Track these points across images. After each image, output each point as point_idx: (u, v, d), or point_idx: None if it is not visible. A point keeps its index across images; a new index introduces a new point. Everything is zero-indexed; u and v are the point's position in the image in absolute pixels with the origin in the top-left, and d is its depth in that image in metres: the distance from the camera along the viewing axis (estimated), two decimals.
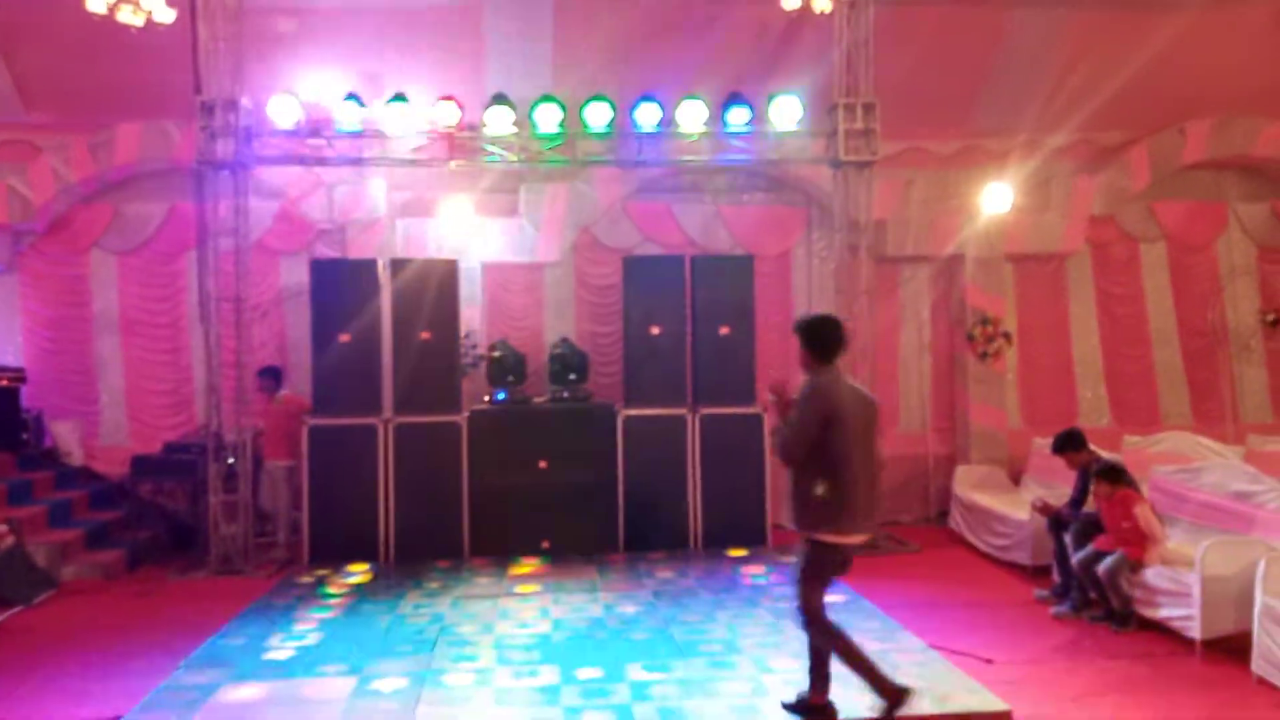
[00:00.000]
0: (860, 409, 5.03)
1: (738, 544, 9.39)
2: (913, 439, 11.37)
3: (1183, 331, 11.79)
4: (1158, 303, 11.81)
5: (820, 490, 4.85)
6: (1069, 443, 7.61)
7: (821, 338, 5.02)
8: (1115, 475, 6.98)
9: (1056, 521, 7.54)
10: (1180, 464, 7.79)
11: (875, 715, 5.02)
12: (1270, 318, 11.67)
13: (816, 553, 4.97)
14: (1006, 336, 11.11)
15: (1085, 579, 7.03)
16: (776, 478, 9.69)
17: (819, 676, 5.15)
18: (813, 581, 5.03)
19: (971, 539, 9.55)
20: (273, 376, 9.82)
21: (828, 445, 4.84)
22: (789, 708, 5.22)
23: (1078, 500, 7.47)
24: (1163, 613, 6.50)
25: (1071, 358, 11.67)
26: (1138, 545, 6.74)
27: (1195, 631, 6.17)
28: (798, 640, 6.51)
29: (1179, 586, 6.34)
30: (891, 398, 11.31)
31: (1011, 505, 9.02)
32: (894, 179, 10.89)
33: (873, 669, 4.97)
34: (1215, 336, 11.75)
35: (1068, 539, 7.34)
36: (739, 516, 9.49)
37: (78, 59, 9.57)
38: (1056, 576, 7.60)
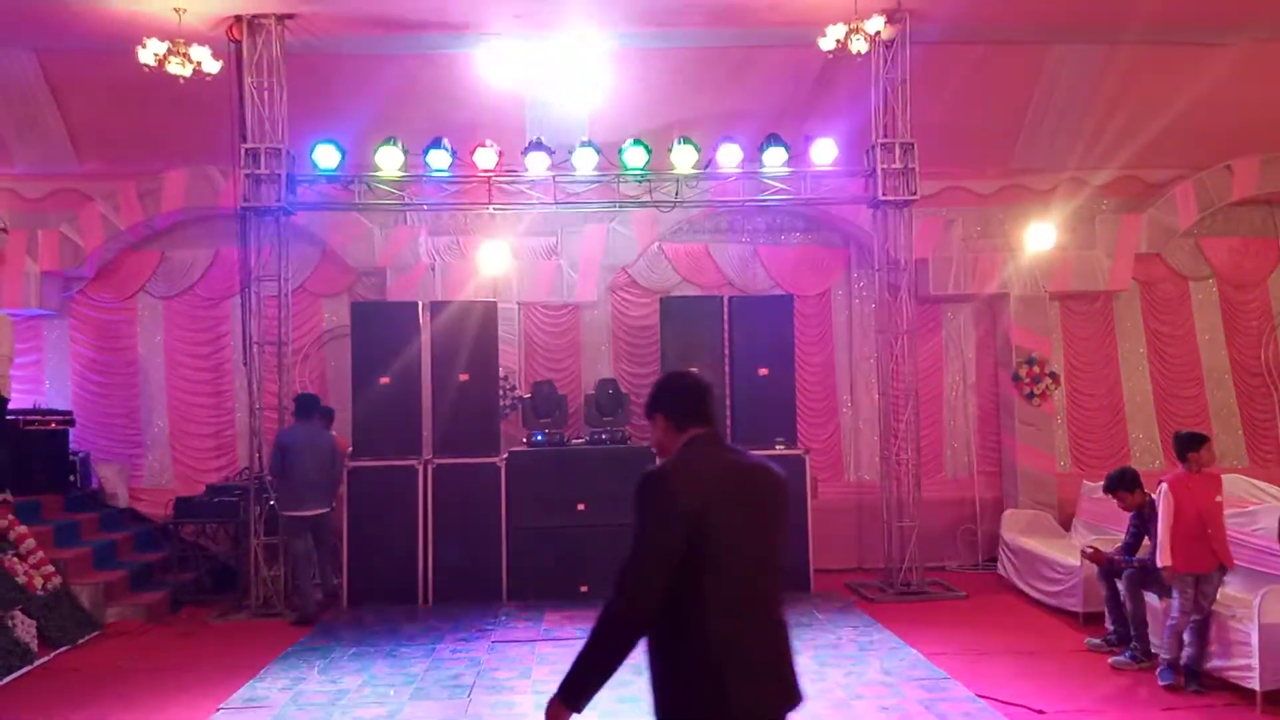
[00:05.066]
0: (310, 442, 8.71)
1: None
2: (959, 483, 11.15)
3: (1236, 371, 11.50)
4: (1209, 342, 11.54)
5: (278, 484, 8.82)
6: (1121, 482, 7.37)
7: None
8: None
9: (1109, 568, 7.31)
10: (1235, 508, 7.53)
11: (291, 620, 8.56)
12: None
13: (283, 521, 8.80)
14: (1054, 377, 10.90)
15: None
16: (819, 522, 9.56)
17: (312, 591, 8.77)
18: (289, 536, 8.69)
19: (1020, 585, 9.30)
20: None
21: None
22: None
23: (1131, 545, 7.23)
24: (1219, 662, 6.26)
25: (1121, 398, 11.42)
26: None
27: (1254, 682, 5.92)
28: (841, 689, 6.39)
29: (1237, 635, 6.11)
30: (936, 440, 11.13)
31: (1061, 550, 8.78)
32: (934, 217, 10.80)
33: (306, 594, 8.66)
34: (1269, 376, 11.45)
35: (1121, 586, 7.12)
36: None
37: (127, 109, 9.81)
38: (1109, 624, 7.36)
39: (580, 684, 2.74)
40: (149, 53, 8.34)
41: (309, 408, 9.01)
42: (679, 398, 3.03)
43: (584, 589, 9.15)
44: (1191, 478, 6.58)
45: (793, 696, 2.81)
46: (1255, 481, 8.19)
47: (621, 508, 9.72)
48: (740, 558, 2.77)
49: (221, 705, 6.32)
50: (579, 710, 2.74)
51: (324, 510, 8.86)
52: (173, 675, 7.10)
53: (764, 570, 2.85)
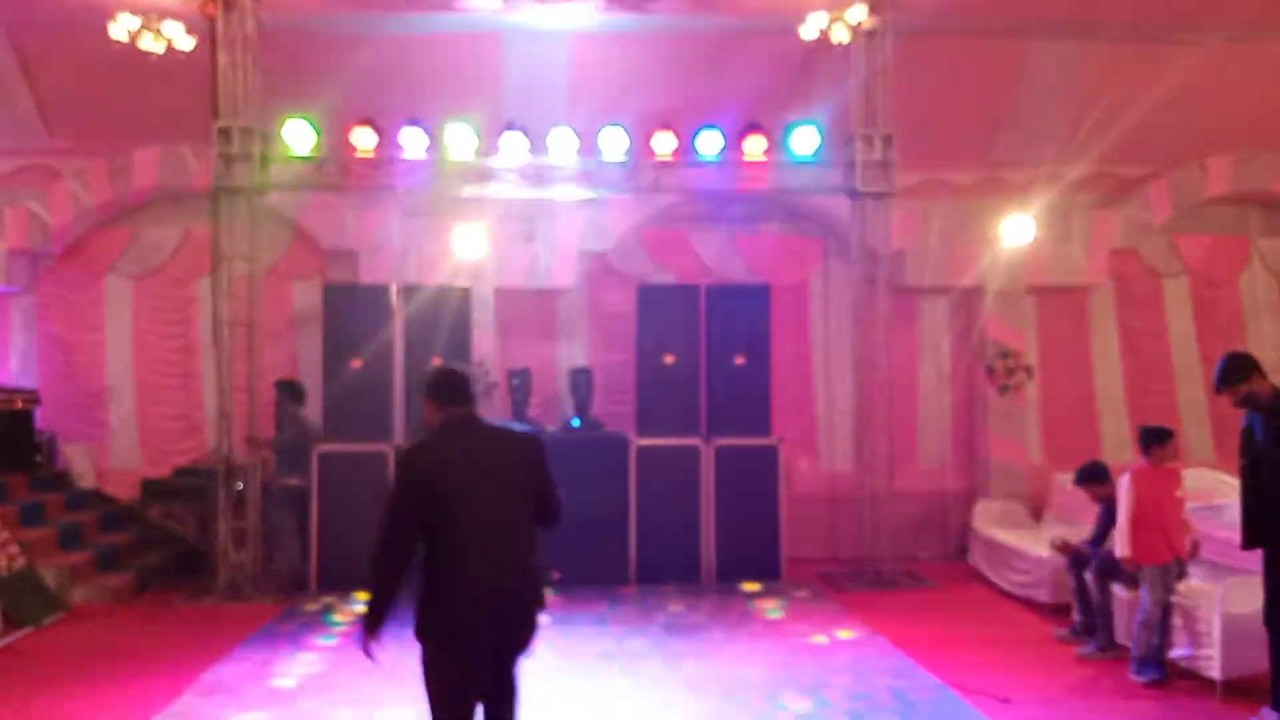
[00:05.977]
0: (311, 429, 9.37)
1: (751, 578, 9.24)
2: (932, 474, 11.19)
3: (1206, 367, 11.59)
4: (1181, 338, 11.64)
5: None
6: (1092, 475, 7.46)
7: None
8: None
9: (1077, 559, 7.37)
10: (1203, 501, 7.61)
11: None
12: None
13: (278, 488, 9.20)
14: (1028, 370, 10.96)
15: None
16: (792, 511, 9.59)
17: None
18: (281, 503, 9.17)
19: (991, 576, 9.36)
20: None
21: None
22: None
23: (1099, 537, 7.30)
24: (1182, 652, 6.34)
25: (1094, 392, 11.49)
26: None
27: (1215, 671, 5.99)
28: (812, 676, 6.41)
29: (1200, 625, 6.17)
30: (910, 431, 11.15)
31: (1032, 542, 8.83)
32: (912, 209, 10.81)
33: (289, 558, 9.22)
34: None
35: (1088, 577, 7.18)
36: (753, 550, 9.35)
37: (99, 85, 9.64)
38: (1077, 615, 7.43)
39: (372, 618, 3.65)
40: (121, 28, 8.23)
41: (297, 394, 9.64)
42: (441, 386, 3.85)
43: (556, 575, 9.11)
44: (1153, 471, 6.65)
45: (518, 621, 3.65)
46: (1222, 475, 8.28)
47: (596, 494, 9.75)
48: (474, 512, 3.58)
49: (188, 689, 6.26)
50: (377, 635, 3.64)
51: (305, 484, 9.20)
52: (139, 658, 7.02)
53: (502, 521, 3.66)
